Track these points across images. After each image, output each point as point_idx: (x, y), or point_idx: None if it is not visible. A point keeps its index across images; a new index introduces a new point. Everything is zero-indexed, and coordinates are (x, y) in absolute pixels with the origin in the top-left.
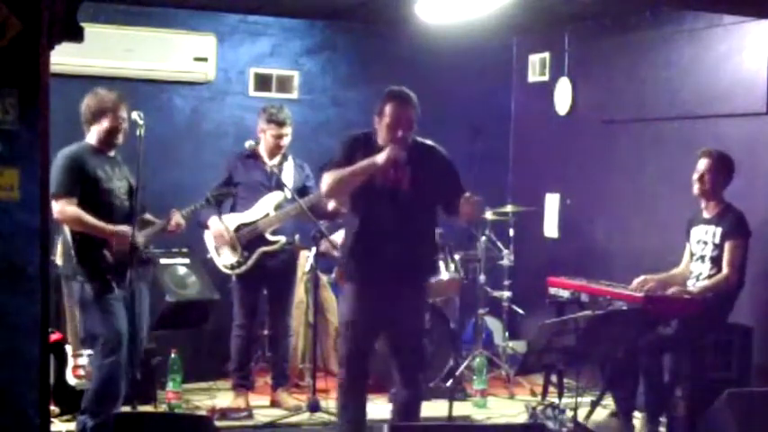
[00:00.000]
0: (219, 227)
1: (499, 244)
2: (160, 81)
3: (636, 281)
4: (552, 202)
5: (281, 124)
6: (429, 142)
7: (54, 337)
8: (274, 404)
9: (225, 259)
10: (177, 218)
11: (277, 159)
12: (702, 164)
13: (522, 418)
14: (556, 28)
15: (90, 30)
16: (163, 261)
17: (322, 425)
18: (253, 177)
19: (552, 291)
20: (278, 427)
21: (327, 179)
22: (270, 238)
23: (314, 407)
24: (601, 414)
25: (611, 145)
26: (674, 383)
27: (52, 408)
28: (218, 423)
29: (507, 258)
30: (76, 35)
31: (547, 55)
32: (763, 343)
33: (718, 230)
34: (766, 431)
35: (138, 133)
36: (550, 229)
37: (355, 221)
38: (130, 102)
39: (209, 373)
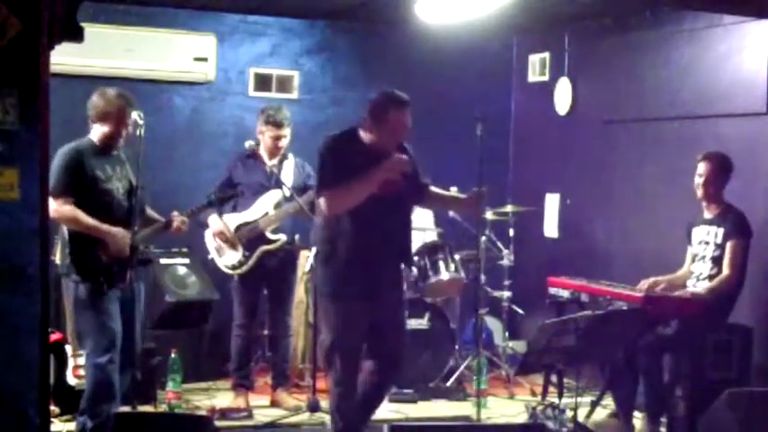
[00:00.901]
0: (219, 224)
1: (499, 244)
2: (160, 81)
3: (645, 282)
4: (552, 202)
5: (279, 126)
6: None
7: (54, 337)
8: (274, 404)
9: (227, 259)
10: (178, 222)
11: (277, 159)
12: (703, 168)
13: (522, 418)
14: (556, 28)
15: (90, 30)
16: (163, 261)
17: (322, 425)
18: (253, 178)
19: (552, 291)
20: (278, 427)
21: (328, 200)
22: (270, 236)
23: (314, 407)
24: (601, 414)
25: (611, 145)
26: (674, 383)
27: (52, 408)
28: (218, 423)
29: (507, 258)
30: (76, 35)
31: (547, 55)
32: (763, 343)
33: (720, 231)
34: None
35: (138, 133)
36: (550, 229)
37: (349, 230)
38: None
39: (209, 373)
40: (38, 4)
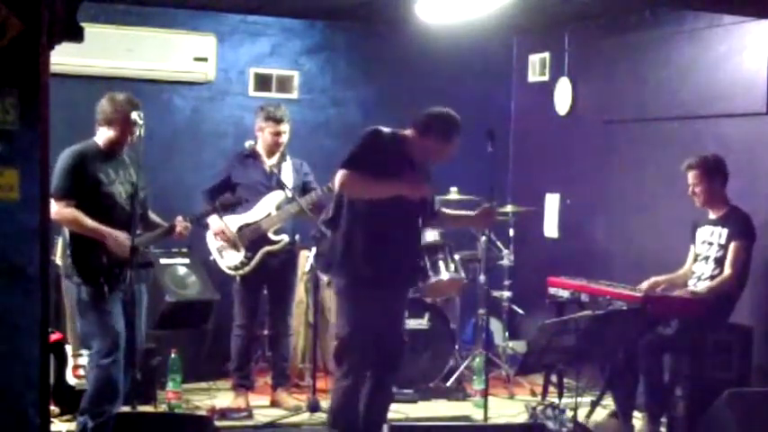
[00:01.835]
0: (220, 224)
1: (499, 244)
2: (160, 81)
3: (646, 282)
4: (552, 202)
5: (278, 121)
6: None
7: (54, 337)
8: (274, 404)
9: (228, 260)
10: (181, 227)
11: (276, 159)
12: (690, 177)
13: (522, 418)
14: (556, 28)
15: (90, 30)
16: (163, 261)
17: (322, 425)
18: (252, 177)
19: (552, 291)
20: (278, 427)
21: (347, 178)
22: (273, 237)
23: (314, 407)
24: (601, 414)
25: (611, 145)
26: (674, 383)
27: (52, 408)
28: (218, 423)
29: (507, 258)
30: (76, 35)
31: (547, 55)
32: (763, 343)
33: (724, 231)
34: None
35: (137, 133)
36: (550, 229)
37: (370, 226)
38: None
39: (209, 373)
40: (38, 4)
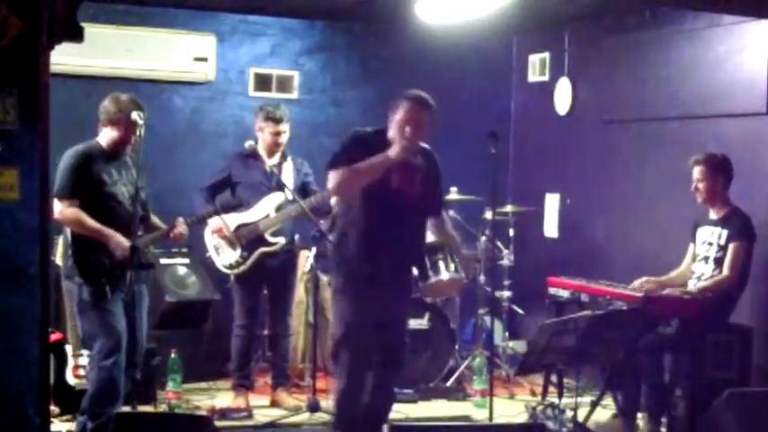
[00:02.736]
0: (218, 222)
1: (499, 244)
2: (160, 81)
3: (637, 281)
4: (552, 202)
5: (278, 121)
6: (427, 146)
7: (54, 337)
8: (274, 404)
9: (224, 259)
10: (181, 229)
11: (276, 159)
12: (696, 172)
13: (522, 418)
14: (556, 28)
15: (90, 30)
16: (163, 261)
17: (322, 425)
18: (252, 177)
19: (552, 291)
20: (278, 427)
21: (336, 177)
22: (269, 239)
23: (314, 407)
24: (601, 414)
25: (611, 145)
26: (674, 383)
27: (52, 408)
28: (218, 423)
29: (507, 258)
30: (76, 35)
31: (547, 55)
32: (763, 343)
33: (725, 232)
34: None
35: (138, 133)
36: (550, 229)
37: (361, 222)
38: None
39: (209, 373)
40: (38, 4)
